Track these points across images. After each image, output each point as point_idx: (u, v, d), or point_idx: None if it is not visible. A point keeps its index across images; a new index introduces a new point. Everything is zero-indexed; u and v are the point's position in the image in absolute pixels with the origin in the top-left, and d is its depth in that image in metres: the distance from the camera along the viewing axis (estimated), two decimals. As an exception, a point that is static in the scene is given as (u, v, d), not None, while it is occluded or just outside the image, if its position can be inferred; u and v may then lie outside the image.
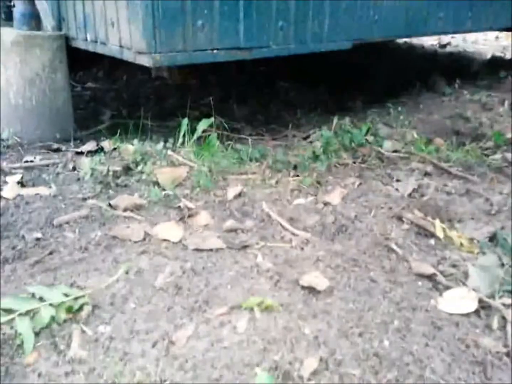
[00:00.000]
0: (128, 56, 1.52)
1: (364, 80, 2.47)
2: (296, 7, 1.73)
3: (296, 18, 1.75)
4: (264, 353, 0.73)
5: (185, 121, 1.56)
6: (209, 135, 1.53)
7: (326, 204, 1.26)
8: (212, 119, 1.60)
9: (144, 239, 1.01)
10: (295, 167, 1.49)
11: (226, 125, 1.88)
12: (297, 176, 1.44)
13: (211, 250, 1.00)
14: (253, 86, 2.60)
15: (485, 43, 3.19)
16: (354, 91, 2.37)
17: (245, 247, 1.03)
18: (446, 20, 2.22)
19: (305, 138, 1.87)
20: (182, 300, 0.83)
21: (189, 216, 1.13)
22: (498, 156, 1.54)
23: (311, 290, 0.89)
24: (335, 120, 1.90)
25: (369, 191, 1.34)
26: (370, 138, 1.77)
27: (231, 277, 0.92)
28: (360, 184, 1.40)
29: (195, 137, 1.51)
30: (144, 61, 1.46)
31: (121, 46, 1.52)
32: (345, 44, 1.94)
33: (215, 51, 1.58)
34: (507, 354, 0.74)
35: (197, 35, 1.51)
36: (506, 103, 2.14)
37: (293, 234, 1.10)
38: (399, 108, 2.08)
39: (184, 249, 1.00)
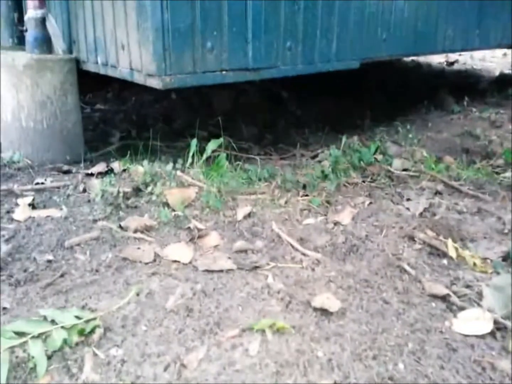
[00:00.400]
0: (138, 79, 1.55)
1: (372, 97, 2.49)
2: (304, 27, 1.77)
3: (304, 38, 1.78)
4: (277, 377, 0.72)
5: (194, 141, 1.58)
6: (218, 155, 1.55)
7: (336, 224, 1.26)
8: (221, 139, 1.62)
9: (154, 260, 1.02)
10: (304, 187, 1.49)
11: (234, 145, 1.91)
12: (307, 195, 1.44)
13: (221, 271, 1.00)
14: (262, 103, 2.64)
15: (492, 60, 3.21)
16: (362, 108, 2.39)
17: (255, 267, 1.03)
18: (454, 37, 2.25)
19: (313, 157, 1.88)
20: (193, 322, 0.82)
21: (199, 237, 1.13)
22: (508, 174, 1.53)
23: (323, 311, 0.88)
24: (344, 139, 1.91)
25: (379, 210, 1.34)
26: (379, 156, 1.77)
27: (242, 298, 0.91)
28: (370, 203, 1.39)
29: (204, 157, 1.53)
30: (154, 83, 1.49)
31: (131, 69, 1.55)
32: (353, 64, 1.96)
33: (224, 72, 1.61)
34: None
35: (207, 57, 1.55)
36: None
37: (303, 254, 1.10)
38: (408, 126, 2.10)
39: (194, 270, 1.00)
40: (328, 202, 1.39)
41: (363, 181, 1.57)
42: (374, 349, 0.79)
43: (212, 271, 1.00)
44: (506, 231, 1.18)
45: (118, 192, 1.30)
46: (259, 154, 1.95)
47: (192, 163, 1.55)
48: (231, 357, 0.75)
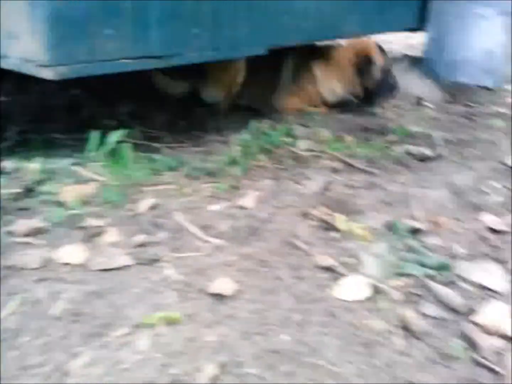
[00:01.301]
0: (31, 70, 1.44)
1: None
2: (210, 14, 1.75)
3: (210, 25, 1.77)
4: (164, 368, 0.73)
5: (95, 133, 1.51)
6: (125, 146, 1.50)
7: (240, 208, 1.29)
8: (125, 130, 1.56)
9: (43, 265, 0.97)
10: (212, 174, 1.51)
11: (144, 134, 1.85)
12: (214, 182, 1.46)
13: (118, 268, 0.99)
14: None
15: (395, 42, 3.43)
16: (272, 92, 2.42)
17: (155, 260, 1.03)
18: (357, 23, 2.36)
19: (225, 143, 1.90)
20: (81, 326, 0.81)
21: (96, 235, 1.10)
22: (400, 148, 1.67)
23: (219, 296, 0.91)
24: (255, 122, 1.94)
25: (282, 191, 1.40)
26: (287, 139, 1.84)
27: (137, 294, 0.91)
28: (275, 185, 1.45)
29: (105, 149, 1.47)
30: (48, 74, 1.39)
31: (23, 60, 1.43)
32: (260, 50, 1.99)
33: (125, 60, 1.55)
34: (390, 332, 0.82)
35: (106, 45, 1.47)
36: (417, 100, 2.31)
37: (205, 241, 1.12)
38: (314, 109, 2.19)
39: (87, 271, 0.97)
40: (234, 187, 1.42)
41: (270, 164, 1.62)
42: (263, 325, 0.84)
43: (107, 270, 0.98)
44: (391, 202, 1.30)
45: (7, 194, 1.21)
46: (171, 142, 1.92)
47: (93, 157, 1.48)
48: (119, 357, 0.75)
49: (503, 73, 2.42)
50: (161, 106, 2.38)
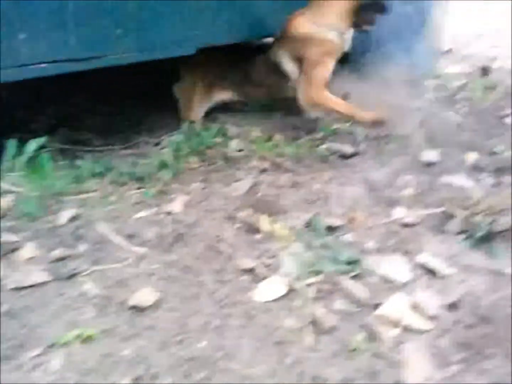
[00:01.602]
0: None
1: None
2: (135, 14, 1.70)
3: (135, 26, 1.72)
4: (77, 387, 0.73)
5: (12, 142, 1.43)
6: (40, 155, 1.43)
7: (167, 214, 1.30)
8: (50, 135, 1.50)
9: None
10: (140, 179, 1.49)
11: (72, 138, 1.78)
12: (142, 188, 1.44)
13: (34, 286, 0.96)
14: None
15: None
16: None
17: (73, 275, 1.01)
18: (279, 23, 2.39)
19: (157, 144, 1.88)
20: (-12, 350, 0.78)
21: (11, 251, 1.05)
22: (325, 146, 1.75)
23: (139, 308, 0.92)
24: (187, 122, 1.94)
25: (211, 194, 1.42)
26: (220, 139, 1.85)
27: (53, 312, 0.89)
28: (204, 188, 1.46)
29: (23, 159, 1.40)
30: (-45, 81, 1.29)
31: None
32: (191, 50, 1.97)
33: (43, 65, 1.48)
34: (301, 330, 0.87)
35: (20, 50, 1.39)
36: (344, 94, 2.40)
37: (128, 251, 1.11)
38: (248, 107, 2.21)
39: (1, 291, 0.93)
40: (162, 192, 1.42)
41: (201, 166, 1.63)
42: (182, 333, 0.87)
43: (22, 288, 0.95)
44: (313, 200, 1.37)
45: None
46: (100, 145, 1.86)
47: (11, 167, 1.41)
48: (31, 379, 0.74)
49: (422, 67, 2.59)
50: (94, 107, 2.29)
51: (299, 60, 1.91)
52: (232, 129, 1.98)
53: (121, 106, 2.29)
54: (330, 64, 1.89)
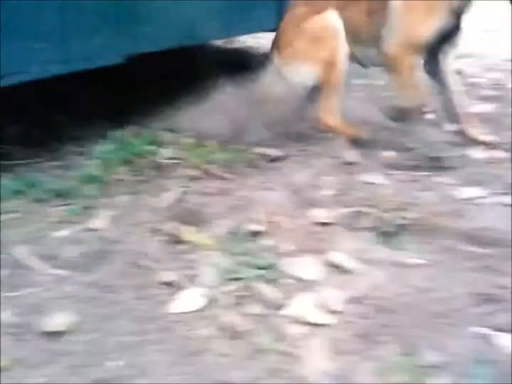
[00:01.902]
0: None
1: (144, 89, 2.49)
2: (57, 26, 1.66)
3: (58, 38, 1.68)
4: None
5: None
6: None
7: (91, 231, 1.28)
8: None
9: None
10: (65, 195, 1.46)
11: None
12: (66, 204, 1.41)
13: None
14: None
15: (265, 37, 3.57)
16: (137, 102, 2.37)
17: (-14, 305, 0.98)
18: (219, 27, 2.42)
19: (85, 154, 1.83)
20: None
21: None
22: (255, 150, 1.79)
23: (54, 334, 0.92)
24: (118, 131, 1.90)
25: (138, 207, 1.42)
26: (151, 147, 1.84)
27: (-38, 345, 0.87)
28: (131, 201, 1.46)
29: None
30: None
31: None
32: (117, 59, 1.94)
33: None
34: (217, 337, 0.91)
35: None
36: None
37: (47, 274, 1.10)
38: (183, 113, 2.20)
39: None
40: (87, 207, 1.40)
41: (130, 177, 1.61)
42: (97, 355, 0.88)
43: None
44: (239, 206, 1.41)
45: None
46: (23, 158, 1.78)
47: None
48: None
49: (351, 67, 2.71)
50: (18, 116, 2.18)
51: None
52: (165, 136, 1.97)
53: (45, 114, 2.20)
54: None
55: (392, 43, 1.76)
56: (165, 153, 1.78)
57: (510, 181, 1.56)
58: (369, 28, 1.79)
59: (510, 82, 2.76)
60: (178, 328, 0.95)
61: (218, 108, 2.23)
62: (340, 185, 1.53)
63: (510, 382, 0.83)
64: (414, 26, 1.72)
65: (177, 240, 1.23)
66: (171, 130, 2.04)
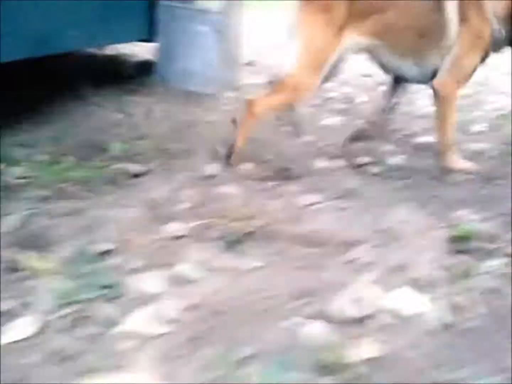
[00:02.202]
0: None
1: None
2: None
3: None
4: None
5: None
6: None
7: None
8: None
9: None
10: None
11: None
12: None
13: None
14: None
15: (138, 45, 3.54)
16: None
17: None
18: (81, 36, 2.35)
19: None
20: None
21: None
22: (115, 166, 1.81)
23: None
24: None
25: (-22, 234, 1.34)
26: (2, 165, 1.73)
27: None
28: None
29: None
30: None
31: None
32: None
33: None
34: (46, 362, 0.94)
35: None
36: (147, 108, 2.47)
37: None
38: (39, 126, 2.09)
39: None
40: None
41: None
42: None
43: None
44: (90, 226, 1.42)
45: None
46: None
47: None
48: None
49: (222, 80, 2.88)
50: None
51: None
52: (19, 152, 1.87)
53: None
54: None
55: (448, 76, 1.81)
56: (16, 172, 1.70)
57: (344, 187, 1.84)
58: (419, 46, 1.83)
59: (359, 97, 3.22)
60: (6, 358, 0.95)
61: (79, 121, 2.18)
62: (197, 198, 1.63)
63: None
64: (471, 63, 1.80)
65: (15, 268, 1.21)
66: (24, 146, 1.93)
